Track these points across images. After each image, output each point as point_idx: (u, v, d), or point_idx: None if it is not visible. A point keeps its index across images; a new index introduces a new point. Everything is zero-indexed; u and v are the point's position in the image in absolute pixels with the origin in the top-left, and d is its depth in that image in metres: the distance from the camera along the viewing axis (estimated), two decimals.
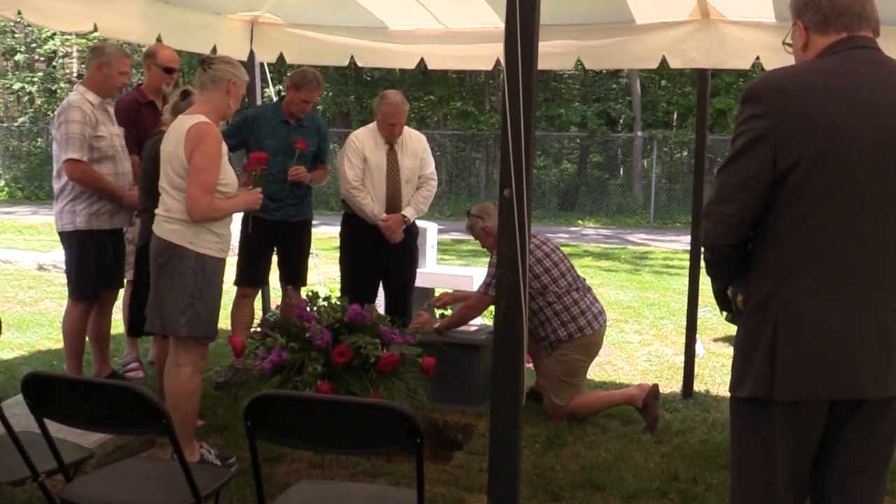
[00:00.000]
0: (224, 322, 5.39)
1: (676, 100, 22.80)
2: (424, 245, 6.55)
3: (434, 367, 4.14)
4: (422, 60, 5.93)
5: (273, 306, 6.15)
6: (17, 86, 26.11)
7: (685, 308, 5.56)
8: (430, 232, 6.83)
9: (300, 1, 5.80)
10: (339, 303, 4.27)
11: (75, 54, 25.38)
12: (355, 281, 5.30)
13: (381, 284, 5.55)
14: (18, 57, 26.41)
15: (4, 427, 2.66)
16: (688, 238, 6.24)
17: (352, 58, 6.08)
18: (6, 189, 22.70)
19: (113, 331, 5.20)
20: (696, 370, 5.67)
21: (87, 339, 5.00)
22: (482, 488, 3.65)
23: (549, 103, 22.91)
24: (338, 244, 5.61)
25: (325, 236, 10.54)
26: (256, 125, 5.27)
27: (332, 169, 5.96)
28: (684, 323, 5.65)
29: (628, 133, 23.14)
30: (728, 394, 2.41)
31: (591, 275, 10.72)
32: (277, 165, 5.16)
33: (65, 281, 4.96)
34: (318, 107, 21.56)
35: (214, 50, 5.62)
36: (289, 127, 5.30)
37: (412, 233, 5.57)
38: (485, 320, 6.74)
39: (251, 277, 5.41)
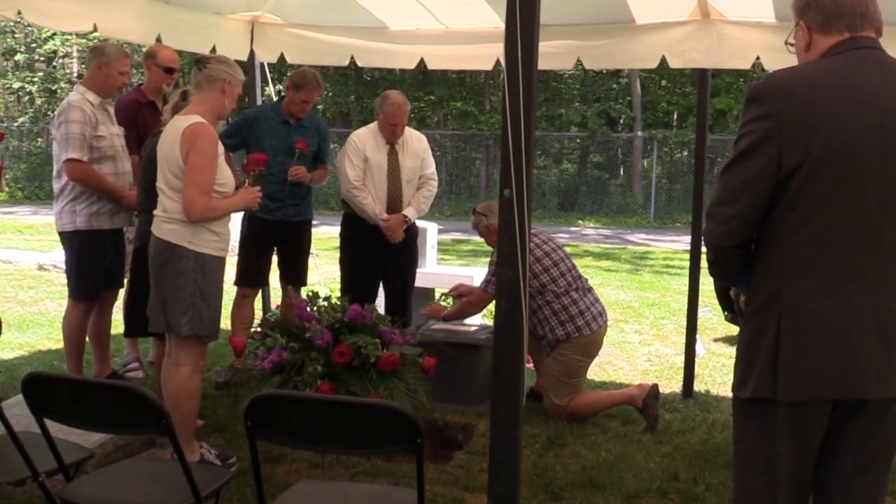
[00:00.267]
0: (224, 322, 5.39)
1: (676, 100, 22.80)
2: (424, 245, 6.55)
3: (434, 367, 4.14)
4: (422, 60, 5.93)
5: (273, 306, 6.16)
6: (16, 85, 26.11)
7: (685, 308, 5.56)
8: (430, 232, 6.83)
9: (300, 1, 5.80)
10: (339, 303, 4.27)
11: (75, 54, 25.38)
12: (355, 281, 5.30)
13: (381, 284, 5.55)
14: (18, 57, 26.41)
15: (4, 427, 2.65)
16: (688, 238, 6.24)
17: (352, 58, 6.08)
18: (6, 189, 22.70)
19: (113, 331, 5.20)
20: (696, 370, 5.67)
21: (87, 339, 5.00)
22: (482, 488, 3.66)
23: (549, 103, 22.91)
24: (338, 244, 5.61)
25: (325, 236, 10.54)
26: (256, 125, 5.27)
27: (332, 169, 5.96)
28: (684, 323, 5.65)
29: (628, 133, 23.14)
30: (728, 394, 2.41)
31: (591, 275, 10.71)
32: (277, 165, 5.16)
33: (65, 281, 4.96)
34: (318, 107, 21.56)
35: (214, 50, 5.61)
36: (289, 127, 5.30)
37: (412, 233, 5.57)
38: (485, 320, 6.75)
39: (251, 277, 5.41)
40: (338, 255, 5.62)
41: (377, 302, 5.44)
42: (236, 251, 5.43)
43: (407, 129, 5.41)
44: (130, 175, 4.86)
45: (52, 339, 6.47)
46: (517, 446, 2.63)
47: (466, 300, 5.27)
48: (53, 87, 25.79)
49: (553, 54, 5.33)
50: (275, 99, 5.74)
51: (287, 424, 2.38)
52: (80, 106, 4.65)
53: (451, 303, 5.51)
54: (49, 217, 7.35)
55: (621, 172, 23.13)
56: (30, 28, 24.51)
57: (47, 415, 2.58)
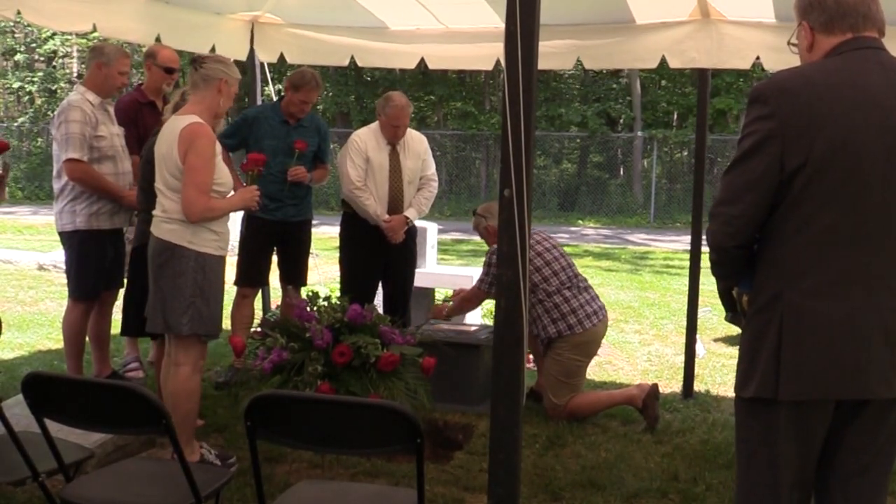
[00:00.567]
0: (224, 322, 5.39)
1: (676, 100, 22.81)
2: (424, 245, 6.55)
3: (434, 367, 4.14)
4: (422, 60, 5.93)
5: (273, 306, 6.16)
6: (16, 85, 26.11)
7: (685, 308, 5.56)
8: (430, 232, 6.83)
9: (300, 1, 5.80)
10: (339, 303, 4.27)
11: (75, 54, 25.38)
12: (355, 281, 5.30)
13: (380, 284, 5.55)
14: (18, 57, 26.41)
15: (4, 427, 2.65)
16: (688, 238, 6.24)
17: (352, 58, 6.08)
18: (6, 189, 22.68)
19: (113, 331, 5.20)
20: (696, 370, 5.67)
21: (87, 339, 5.00)
22: (482, 488, 3.65)
23: (549, 103, 22.91)
24: (338, 244, 5.61)
25: (325, 236, 10.54)
26: (256, 125, 5.27)
27: (332, 169, 5.96)
28: (684, 323, 5.65)
29: (628, 133, 23.14)
30: (728, 394, 2.42)
31: (591, 275, 10.71)
32: (277, 165, 5.17)
33: (65, 281, 4.95)
34: (318, 107, 21.56)
35: (213, 50, 5.62)
36: (288, 127, 5.30)
37: (412, 233, 5.58)
38: (485, 320, 6.75)
39: (251, 277, 5.41)
40: (338, 255, 5.62)
41: (376, 302, 5.44)
42: (236, 251, 5.43)
43: (408, 129, 5.42)
44: (130, 175, 4.86)
45: (52, 339, 6.47)
46: (517, 446, 2.63)
47: (462, 296, 5.34)
48: (53, 87, 25.80)
49: (553, 54, 5.33)
50: (275, 99, 5.74)
51: (287, 424, 2.38)
52: (80, 106, 4.65)
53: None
54: (49, 217, 7.35)
55: (621, 172, 23.13)
56: (30, 28, 24.51)
57: (47, 415, 2.58)
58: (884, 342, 2.19)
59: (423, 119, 24.50)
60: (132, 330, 4.72)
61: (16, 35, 26.12)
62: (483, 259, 5.20)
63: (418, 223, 5.82)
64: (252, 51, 6.19)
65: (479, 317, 6.77)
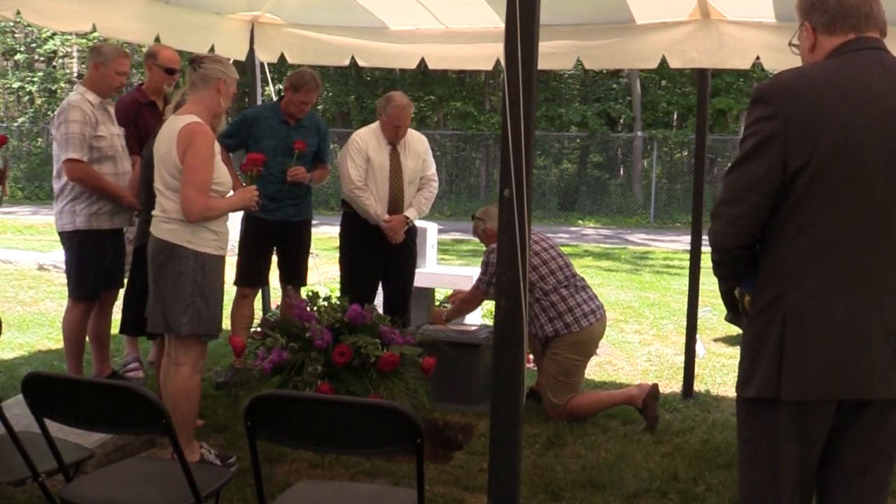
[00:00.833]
0: (224, 322, 5.39)
1: (676, 100, 22.81)
2: (424, 245, 6.55)
3: (434, 367, 4.14)
4: (422, 60, 5.93)
5: (273, 306, 6.16)
6: (16, 85, 26.12)
7: (685, 308, 5.56)
8: (430, 232, 6.83)
9: (300, 1, 5.80)
10: (339, 303, 4.27)
11: (75, 54, 25.38)
12: (355, 281, 5.30)
13: (380, 284, 5.55)
14: (18, 57, 26.42)
15: (4, 427, 2.65)
16: (688, 238, 6.24)
17: (352, 58, 6.08)
18: (8, 194, 22.68)
19: (113, 331, 5.20)
20: (696, 370, 5.67)
21: (87, 339, 5.00)
22: (482, 488, 3.65)
23: (549, 103, 22.91)
24: (338, 244, 5.61)
25: (325, 236, 10.54)
26: (256, 125, 5.27)
27: (332, 169, 5.95)
28: (684, 323, 5.65)
29: (628, 133, 23.14)
30: (728, 394, 2.42)
31: (591, 275, 10.72)
32: (277, 166, 5.17)
33: (65, 281, 4.95)
34: (318, 107, 21.56)
35: (213, 50, 5.62)
36: (288, 127, 5.29)
37: (412, 233, 5.58)
38: (485, 320, 6.75)
39: (251, 277, 5.41)
40: (338, 255, 5.62)
41: (376, 302, 5.44)
42: (236, 251, 5.43)
43: (408, 129, 5.42)
44: (131, 175, 4.86)
45: (52, 339, 6.47)
46: (517, 446, 2.63)
47: (461, 298, 5.35)
48: (53, 87, 25.80)
49: (553, 54, 5.34)
50: (274, 99, 5.74)
51: (287, 424, 2.38)
52: (80, 106, 4.65)
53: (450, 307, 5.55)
54: (49, 217, 7.35)
55: (621, 172, 23.14)
56: (30, 28, 24.51)
57: (47, 415, 2.58)
58: (885, 342, 2.19)
59: (423, 119, 24.50)
60: (131, 329, 4.72)
61: (16, 35, 26.13)
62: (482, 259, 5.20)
63: (418, 223, 5.82)
64: (252, 51, 6.19)
65: (479, 317, 6.77)
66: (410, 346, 4.17)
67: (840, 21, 2.25)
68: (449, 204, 20.78)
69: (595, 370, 6.05)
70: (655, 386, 4.86)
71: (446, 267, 8.62)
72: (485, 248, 5.30)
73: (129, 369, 5.36)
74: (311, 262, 5.70)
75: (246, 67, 6.47)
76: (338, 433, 2.36)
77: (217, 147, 3.80)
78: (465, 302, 5.30)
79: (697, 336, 5.88)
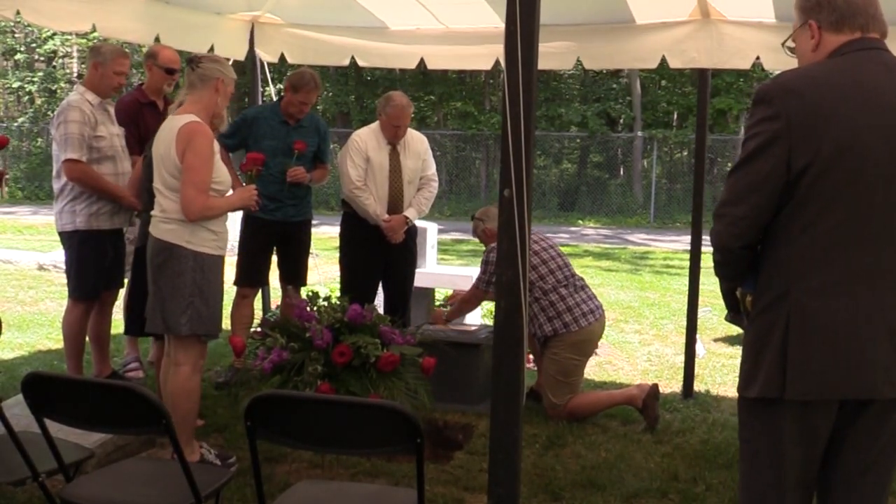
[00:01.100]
0: (224, 322, 5.39)
1: (676, 100, 22.81)
2: (424, 245, 6.55)
3: (434, 367, 4.14)
4: (422, 60, 5.93)
5: (273, 306, 6.16)
6: (16, 85, 26.11)
7: (685, 308, 5.56)
8: (430, 232, 6.83)
9: (300, 1, 5.80)
10: (339, 303, 4.27)
11: (75, 54, 25.38)
12: (355, 281, 5.30)
13: (380, 284, 5.55)
14: (18, 57, 26.42)
15: (4, 427, 2.65)
16: (688, 238, 6.24)
17: (352, 58, 6.08)
18: (7, 188, 22.70)
19: (113, 331, 5.20)
20: (696, 370, 5.67)
21: (87, 339, 5.00)
22: (482, 488, 3.65)
23: (549, 103, 22.92)
24: (338, 244, 5.61)
25: (325, 236, 10.55)
26: (256, 125, 5.27)
27: (331, 169, 5.95)
28: (684, 323, 5.65)
29: (628, 133, 23.15)
30: (728, 394, 2.42)
31: (591, 275, 10.72)
32: (277, 166, 5.17)
33: (65, 281, 4.95)
34: (318, 107, 21.56)
35: (212, 50, 5.62)
36: (288, 127, 5.29)
37: (412, 233, 5.57)
38: (485, 320, 6.75)
39: (251, 277, 5.41)
40: (338, 255, 5.62)
41: (376, 302, 5.44)
42: (236, 251, 5.43)
43: (408, 129, 5.41)
44: (130, 175, 4.86)
45: (52, 339, 6.47)
46: (517, 446, 2.63)
47: (462, 298, 5.36)
48: (53, 87, 25.80)
49: (553, 54, 5.34)
50: (275, 99, 5.74)
51: (287, 424, 2.38)
52: (80, 106, 4.65)
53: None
54: (49, 217, 7.36)
55: (621, 172, 23.14)
56: (30, 28, 24.51)
57: (47, 415, 2.58)
58: (889, 341, 2.19)
59: (423, 119, 24.50)
60: (136, 329, 4.71)
61: (16, 35, 26.13)
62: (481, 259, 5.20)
63: (418, 223, 5.82)
64: (252, 51, 6.19)
65: (479, 317, 6.77)
66: (410, 346, 4.17)
67: (848, 19, 2.25)
68: (449, 204, 20.79)
69: (595, 370, 6.05)
70: (655, 386, 4.86)
71: (446, 267, 8.62)
72: (484, 248, 5.30)
73: (129, 369, 5.36)
74: (311, 262, 5.70)
75: (246, 67, 6.47)
76: (338, 433, 2.36)
77: (216, 146, 3.80)
78: (466, 301, 5.32)
79: (697, 336, 5.88)
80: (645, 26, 5.24)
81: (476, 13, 5.38)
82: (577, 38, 5.40)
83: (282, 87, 6.31)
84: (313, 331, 3.99)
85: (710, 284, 7.89)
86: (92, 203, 4.71)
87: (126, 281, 5.20)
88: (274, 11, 5.97)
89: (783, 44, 2.44)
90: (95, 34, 8.27)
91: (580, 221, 19.84)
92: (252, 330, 4.87)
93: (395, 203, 5.35)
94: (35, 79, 25.84)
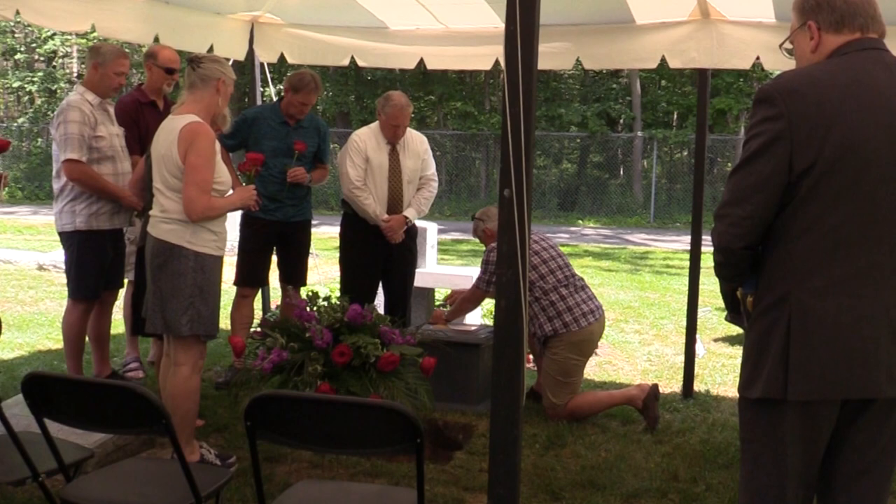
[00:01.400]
0: (224, 322, 5.39)
1: (676, 100, 22.82)
2: (424, 245, 6.55)
3: (434, 367, 4.14)
4: (422, 60, 5.93)
5: (273, 306, 6.16)
6: (16, 85, 26.12)
7: (685, 308, 5.56)
8: (430, 232, 6.83)
9: (300, 1, 5.80)
10: (339, 303, 4.27)
11: (75, 54, 25.39)
12: (355, 281, 5.30)
13: (380, 284, 5.55)
14: (18, 57, 26.42)
15: (4, 427, 2.65)
16: (688, 238, 6.24)
17: (352, 58, 6.08)
18: (6, 189, 22.72)
19: (113, 331, 5.20)
20: (696, 370, 5.67)
21: (87, 339, 5.00)
22: (482, 488, 3.66)
23: (549, 103, 22.93)
24: (338, 244, 5.61)
25: (325, 236, 10.56)
26: (256, 126, 5.27)
27: (331, 169, 5.96)
28: (684, 323, 5.65)
29: (628, 133, 23.15)
30: (728, 394, 2.42)
31: (591, 275, 10.72)
32: (277, 166, 5.17)
33: (65, 281, 4.95)
34: (318, 107, 21.57)
35: (211, 50, 5.62)
36: (288, 128, 5.30)
37: (412, 233, 5.57)
38: (485, 320, 6.76)
39: (251, 278, 5.41)
40: (338, 255, 5.62)
41: (377, 302, 5.45)
42: (235, 251, 5.43)
43: (408, 129, 5.42)
44: (130, 175, 4.86)
45: (52, 339, 6.47)
46: (517, 446, 2.63)
47: (462, 297, 5.35)
48: (53, 87, 25.81)
49: (553, 54, 5.34)
50: (274, 99, 5.74)
51: (287, 424, 2.38)
52: (79, 106, 4.65)
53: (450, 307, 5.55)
54: (49, 217, 7.37)
55: (621, 172, 23.14)
56: (30, 28, 24.53)
57: (47, 415, 2.58)
58: (891, 341, 2.19)
59: (423, 119, 24.52)
60: (142, 328, 4.72)
61: (16, 35, 26.13)
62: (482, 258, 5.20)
63: (418, 223, 5.82)
64: (252, 51, 6.19)
65: (479, 317, 6.77)
66: (410, 346, 4.18)
67: (849, 20, 2.25)
68: (449, 204, 20.79)
69: (595, 370, 6.05)
70: (655, 386, 4.86)
71: (446, 267, 8.62)
72: (484, 248, 5.30)
73: (129, 369, 5.37)
74: (311, 262, 5.70)
75: (245, 67, 6.46)
76: (338, 433, 2.36)
77: (218, 146, 3.80)
78: (466, 301, 5.31)
79: (697, 336, 5.88)
80: (645, 26, 5.24)
81: (476, 13, 5.39)
82: (576, 39, 5.40)
83: (281, 87, 6.31)
84: (313, 331, 4.00)
85: (710, 284, 7.90)
86: (92, 203, 4.71)
87: (126, 281, 5.21)
88: (274, 11, 5.97)
89: (781, 45, 2.44)
90: (95, 34, 8.27)
91: (580, 221, 19.84)
92: (252, 330, 4.87)
93: (395, 203, 5.35)
94: (35, 79, 25.85)
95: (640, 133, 22.18)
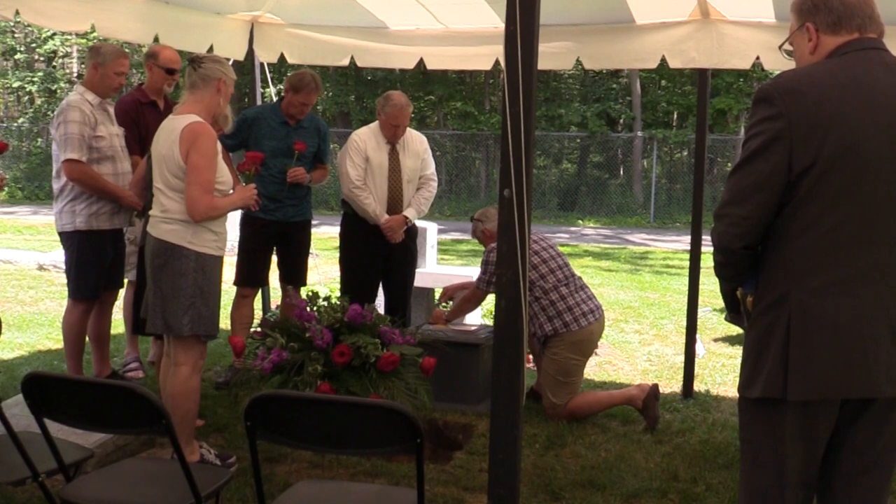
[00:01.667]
0: (224, 322, 5.39)
1: (676, 100, 22.82)
2: (424, 245, 6.55)
3: (434, 367, 4.14)
4: (421, 60, 5.93)
5: (273, 306, 6.16)
6: (16, 85, 26.12)
7: (685, 308, 5.56)
8: (430, 232, 6.83)
9: (300, 1, 5.80)
10: (339, 303, 4.27)
11: (75, 54, 25.39)
12: (355, 281, 5.30)
13: (380, 284, 5.55)
14: (18, 57, 26.42)
15: (4, 427, 2.65)
16: (688, 238, 6.24)
17: (352, 58, 6.08)
18: (6, 189, 22.72)
19: (113, 331, 5.20)
20: (696, 370, 5.67)
21: (87, 339, 5.00)
22: (482, 488, 3.66)
23: (549, 103, 22.93)
24: (338, 244, 5.61)
25: (325, 236, 10.56)
26: (256, 126, 5.27)
27: (331, 169, 5.95)
28: (684, 323, 5.65)
29: (628, 133, 23.15)
30: (728, 394, 2.42)
31: (591, 275, 10.73)
32: (277, 166, 5.17)
33: (65, 281, 4.95)
34: (318, 107, 21.57)
35: (211, 50, 5.62)
36: (288, 128, 5.30)
37: (412, 233, 5.58)
38: (485, 320, 6.76)
39: (251, 278, 5.41)
40: (338, 255, 5.62)
41: (377, 302, 5.45)
42: (235, 251, 5.43)
43: (408, 129, 5.42)
44: (130, 175, 4.86)
45: (52, 339, 6.47)
46: (517, 446, 2.63)
47: (463, 297, 5.33)
48: (53, 87, 25.81)
49: (553, 54, 5.34)
50: (275, 99, 5.74)
51: (287, 424, 2.38)
52: (79, 106, 4.65)
53: (450, 305, 5.54)
54: (49, 217, 7.37)
55: (621, 172, 23.15)
56: (30, 28, 24.53)
57: (47, 415, 2.58)
58: (891, 341, 2.19)
59: (423, 119, 24.52)
60: (143, 328, 4.72)
61: (16, 35, 26.13)
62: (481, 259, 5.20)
63: (418, 223, 5.82)
64: (252, 51, 6.19)
65: (479, 317, 6.77)
66: (410, 346, 4.18)
67: (846, 20, 2.26)
68: (449, 204, 20.79)
69: (595, 370, 6.05)
70: (655, 386, 4.86)
71: (446, 267, 8.61)
72: (484, 249, 5.30)
73: (129, 369, 5.37)
74: (311, 262, 5.70)
75: (245, 67, 6.46)
76: (338, 433, 2.36)
77: (219, 146, 3.80)
78: (466, 301, 5.31)
79: (697, 336, 5.88)
80: (645, 26, 5.24)
81: (476, 13, 5.38)
82: (576, 38, 5.40)
83: (282, 87, 6.31)
84: (313, 331, 4.00)
85: (710, 284, 7.90)
86: (92, 203, 4.71)
87: (127, 281, 5.21)
88: (274, 11, 5.97)
89: (780, 47, 2.44)
90: (95, 34, 8.27)
91: (580, 221, 19.84)
92: (252, 330, 4.87)
93: (395, 203, 5.35)
94: (35, 79, 25.86)
95: (640, 133, 22.18)
